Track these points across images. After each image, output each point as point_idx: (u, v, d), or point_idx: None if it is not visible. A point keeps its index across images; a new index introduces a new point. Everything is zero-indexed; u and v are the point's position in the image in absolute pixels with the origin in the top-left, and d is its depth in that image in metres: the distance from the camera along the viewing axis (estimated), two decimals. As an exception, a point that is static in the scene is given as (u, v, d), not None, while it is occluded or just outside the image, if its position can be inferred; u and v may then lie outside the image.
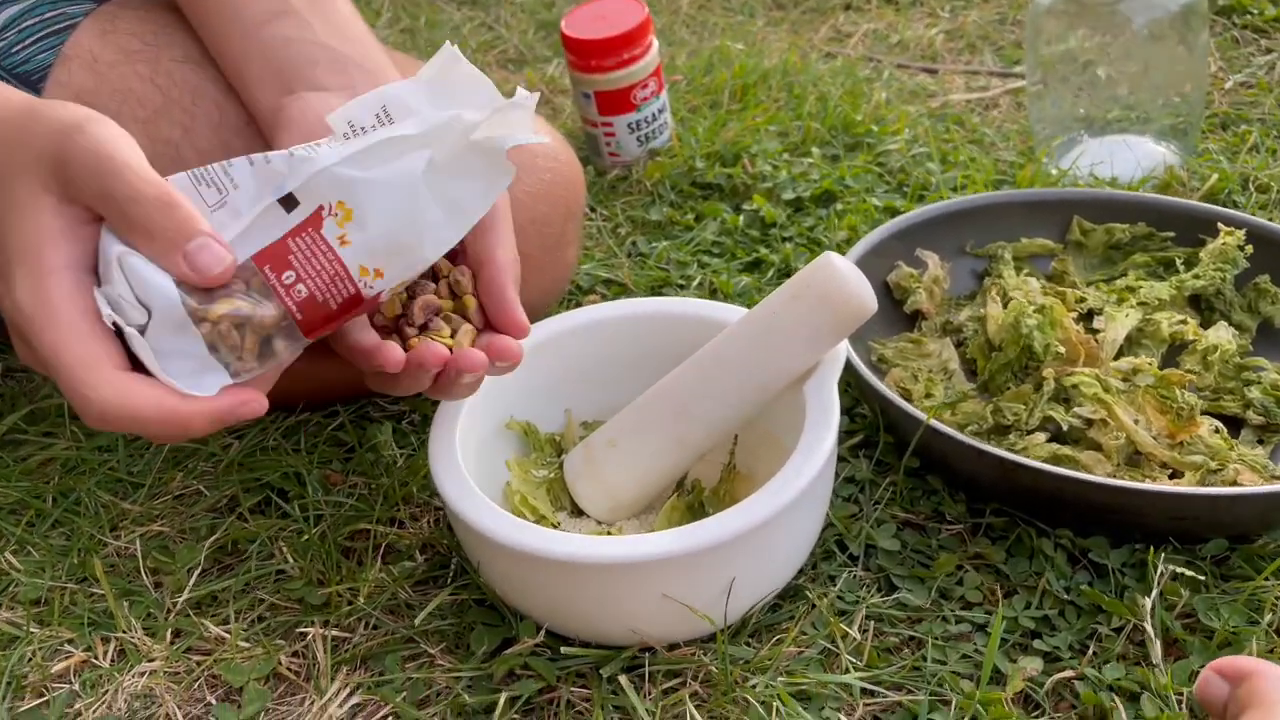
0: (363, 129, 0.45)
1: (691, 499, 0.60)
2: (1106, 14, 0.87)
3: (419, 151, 0.45)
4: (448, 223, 0.46)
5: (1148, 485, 0.53)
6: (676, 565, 0.48)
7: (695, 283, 0.81)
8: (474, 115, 0.45)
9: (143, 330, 0.43)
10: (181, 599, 0.58)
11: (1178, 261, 0.72)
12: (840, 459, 0.64)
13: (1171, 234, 0.74)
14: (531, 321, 0.67)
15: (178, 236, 0.43)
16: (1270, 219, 0.82)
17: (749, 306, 0.77)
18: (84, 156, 0.44)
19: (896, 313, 0.74)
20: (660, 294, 0.81)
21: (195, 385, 0.44)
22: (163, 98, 0.60)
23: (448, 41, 0.47)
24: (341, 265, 0.44)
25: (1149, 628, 0.51)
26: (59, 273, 0.43)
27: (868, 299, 0.54)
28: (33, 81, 0.60)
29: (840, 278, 0.54)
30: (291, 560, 0.60)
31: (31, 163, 0.45)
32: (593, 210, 0.92)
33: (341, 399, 0.71)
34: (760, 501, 0.50)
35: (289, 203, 0.44)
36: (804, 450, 0.52)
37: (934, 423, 0.57)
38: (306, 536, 0.61)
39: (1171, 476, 0.58)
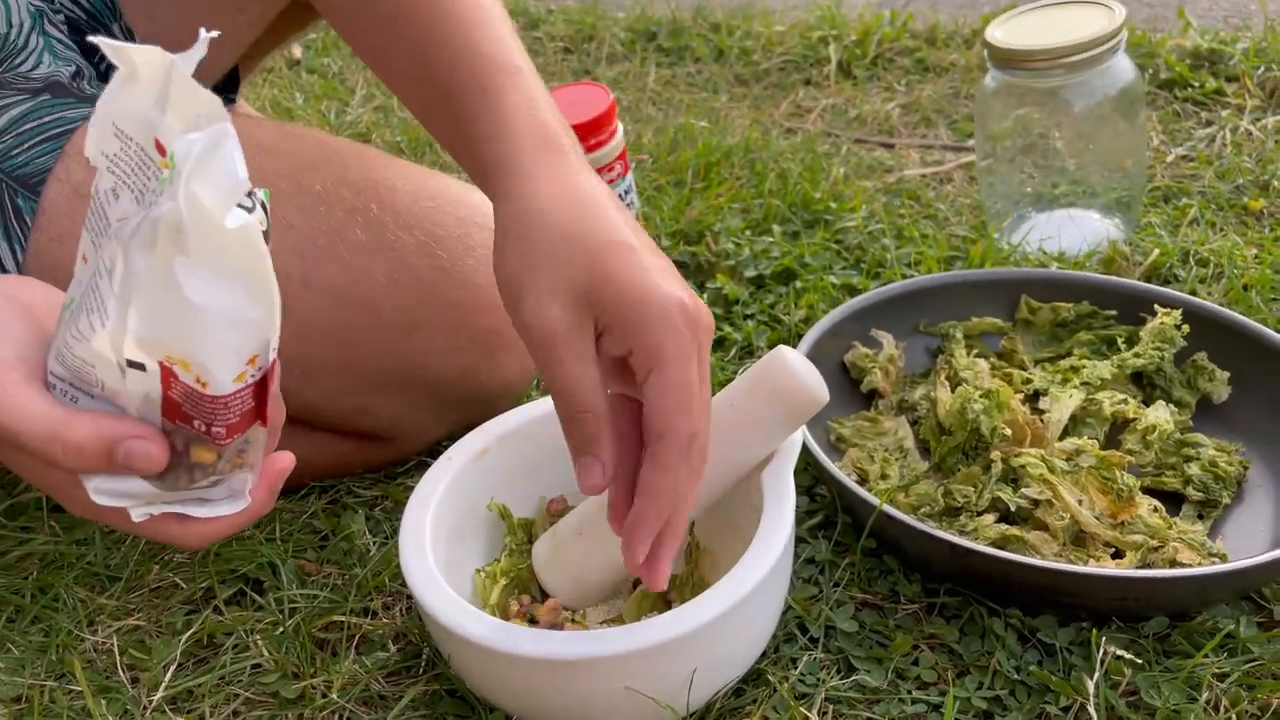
0: (115, 155, 0.43)
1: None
2: (1049, 97, 0.91)
3: (168, 273, 0.40)
4: (246, 288, 0.42)
5: (1089, 569, 0.56)
6: (639, 659, 0.50)
7: (660, 363, 0.84)
8: (177, 205, 0.39)
9: (166, 503, 0.46)
10: (158, 696, 0.59)
11: (1119, 340, 0.75)
12: (800, 540, 0.66)
13: (1114, 312, 0.78)
14: (508, 405, 0.70)
15: (104, 463, 0.43)
16: (1210, 293, 0.85)
17: (713, 387, 0.80)
18: None
19: (854, 391, 0.77)
20: (626, 374, 0.84)
21: (238, 499, 0.47)
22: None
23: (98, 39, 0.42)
24: (222, 398, 0.43)
25: (1091, 710, 0.53)
26: (80, 487, 0.45)
27: (819, 392, 0.57)
28: (32, 184, 0.62)
29: (792, 372, 0.56)
30: (266, 653, 0.61)
31: None
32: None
33: (315, 479, 0.73)
34: (720, 594, 0.52)
35: (138, 366, 0.43)
36: (761, 541, 0.54)
37: (888, 508, 0.60)
38: (281, 629, 0.62)
39: (1115, 555, 0.61)
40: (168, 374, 0.42)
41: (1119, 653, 0.55)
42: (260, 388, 0.45)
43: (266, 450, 0.48)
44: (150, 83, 0.42)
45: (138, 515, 0.46)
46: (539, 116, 0.57)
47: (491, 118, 0.57)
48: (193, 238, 0.39)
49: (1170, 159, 1.07)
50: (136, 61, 0.42)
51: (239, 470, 0.47)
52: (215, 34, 0.39)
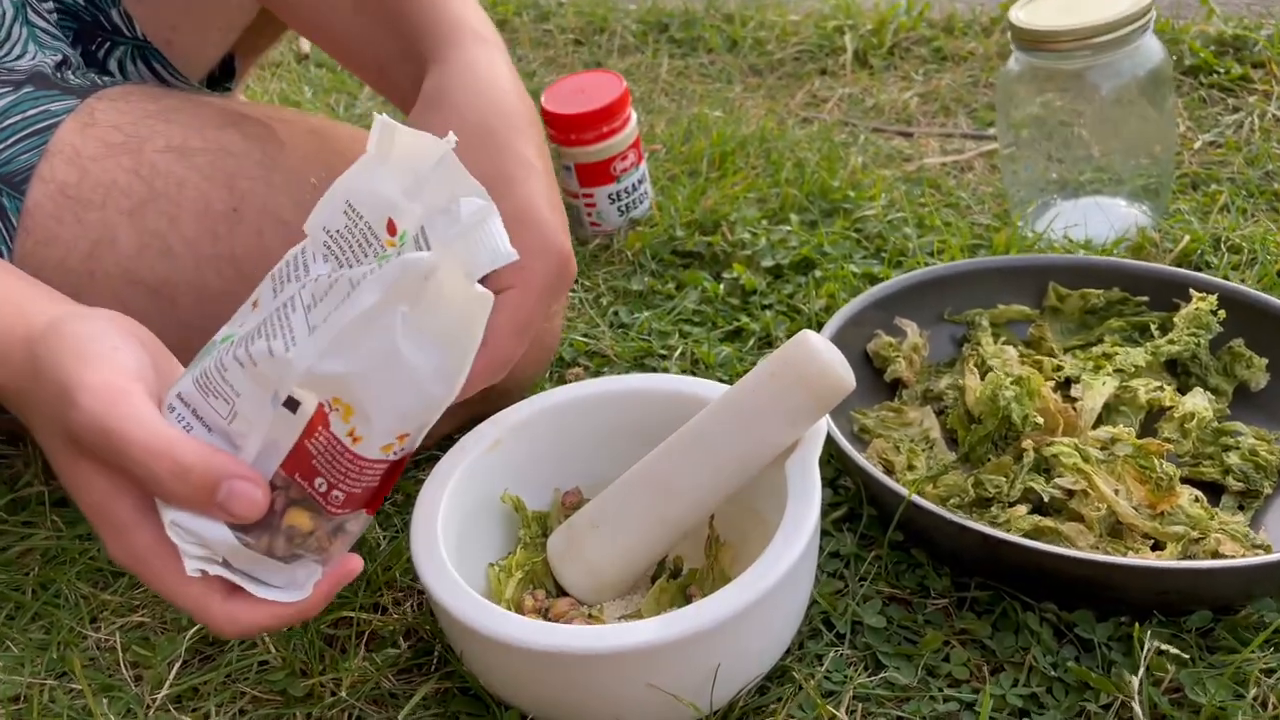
0: (338, 231, 0.45)
1: (684, 580, 0.60)
2: (1074, 81, 0.88)
3: (389, 316, 0.41)
4: (446, 363, 0.43)
5: (1128, 560, 0.53)
6: (660, 655, 0.48)
7: (677, 353, 0.82)
8: (433, 255, 0.41)
9: (228, 565, 0.44)
10: (162, 694, 0.57)
11: (1152, 327, 0.73)
12: (825, 533, 0.64)
13: (1145, 298, 0.75)
14: (518, 397, 0.68)
15: (203, 495, 0.42)
16: (1243, 280, 0.83)
17: (730, 378, 0.78)
18: (89, 435, 0.43)
19: (877, 381, 0.74)
20: (643, 365, 0.82)
21: (297, 589, 0.45)
22: (147, 189, 0.61)
23: (374, 113, 0.46)
24: (364, 460, 0.43)
25: (1136, 707, 0.50)
26: (139, 528, 0.45)
27: (845, 377, 0.54)
28: (16, 182, 0.60)
29: (817, 357, 0.54)
30: (274, 650, 0.59)
31: (58, 433, 0.45)
32: (575, 281, 0.93)
33: None
34: (743, 588, 0.49)
35: (291, 405, 0.42)
36: (786, 533, 0.52)
37: (916, 498, 0.58)
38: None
39: (1154, 547, 0.59)
40: (319, 419, 0.42)
41: (1162, 647, 0.53)
42: (392, 470, 0.44)
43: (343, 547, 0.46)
44: (404, 165, 0.43)
45: (193, 567, 0.44)
46: (479, 13, 0.63)
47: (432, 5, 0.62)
48: (432, 292, 0.40)
49: (1198, 145, 1.04)
50: (399, 144, 0.43)
51: (316, 555, 0.45)
52: (454, 142, 0.42)
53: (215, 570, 0.45)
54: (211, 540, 0.44)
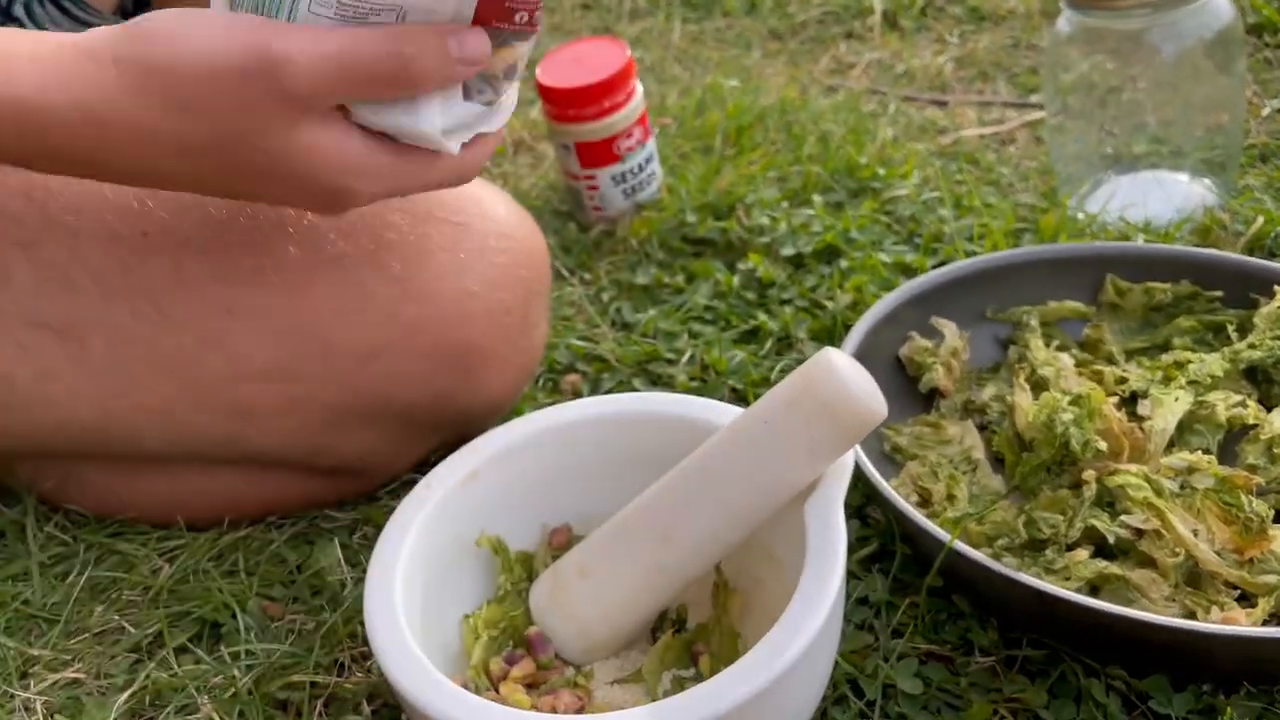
0: None
1: (689, 636, 0.52)
2: (1132, 42, 0.78)
3: None
4: None
5: (1215, 627, 0.44)
6: (654, 753, 0.40)
7: (685, 357, 0.73)
8: None
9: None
10: (89, 771, 0.50)
11: (1229, 328, 0.64)
12: (851, 574, 0.56)
13: (1219, 293, 0.66)
14: (499, 421, 0.60)
15: (444, 57, 0.42)
16: (1328, 268, 0.73)
17: (744, 386, 0.70)
18: (313, 79, 0.42)
19: (911, 391, 0.66)
20: (647, 371, 0.73)
21: (495, 119, 0.48)
22: (41, 215, 0.53)
23: None
24: None
25: (1230, 815, 0.42)
26: (379, 143, 0.45)
27: (875, 407, 0.46)
28: None
29: (842, 381, 0.46)
30: (217, 718, 0.52)
31: (257, 124, 0.43)
32: (573, 274, 0.84)
33: (281, 517, 0.63)
34: (754, 669, 0.41)
35: None
36: (805, 596, 0.44)
37: (959, 545, 0.49)
38: (234, 690, 0.53)
39: (1240, 598, 0.50)
40: None
41: (1259, 732, 0.44)
42: None
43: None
44: None
45: (456, 143, 0.46)
46: None
47: None
48: None
49: (1266, 112, 0.94)
50: None
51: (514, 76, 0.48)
52: None
53: (467, 136, 0.47)
54: (463, 119, 0.46)
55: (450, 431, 0.61)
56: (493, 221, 0.58)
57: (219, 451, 0.57)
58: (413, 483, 0.61)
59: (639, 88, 0.88)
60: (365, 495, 0.65)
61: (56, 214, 0.53)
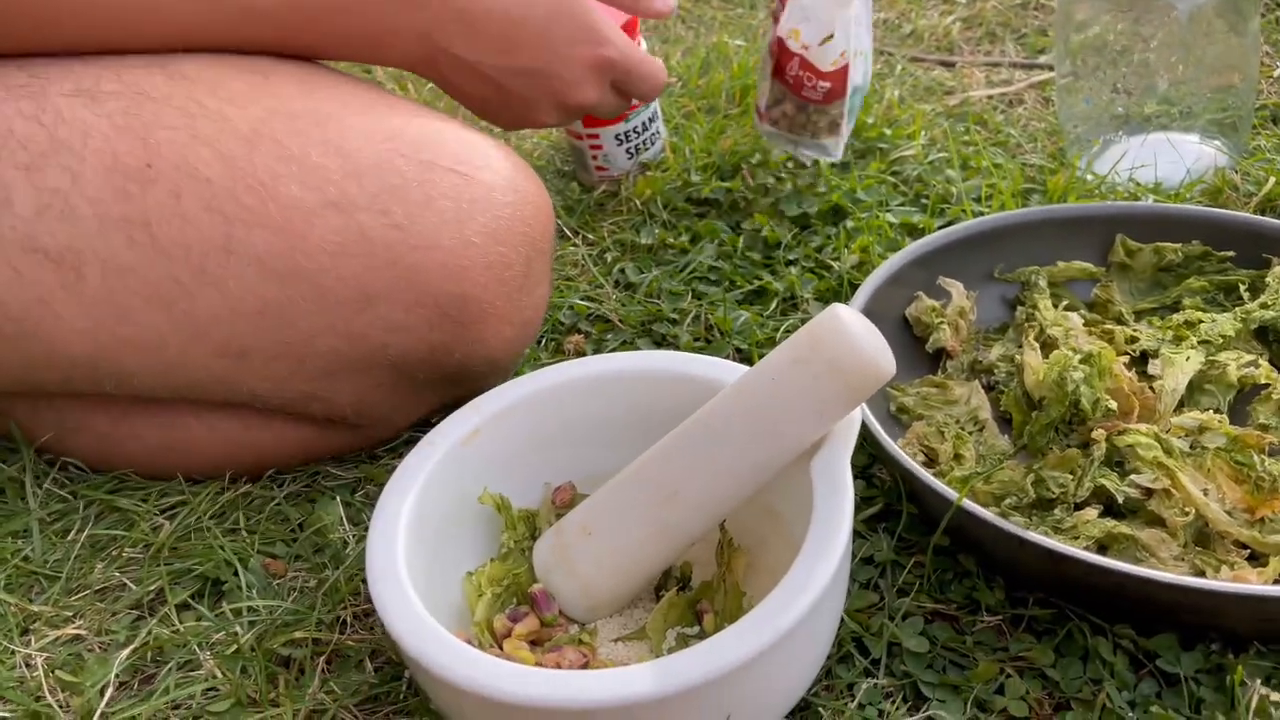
0: None
1: (693, 594, 0.52)
2: (1145, 1, 0.77)
3: None
4: None
5: (1225, 585, 0.44)
6: (658, 709, 0.40)
7: (690, 317, 0.73)
8: None
9: None
10: (91, 726, 0.50)
11: (1241, 288, 0.63)
12: (857, 534, 0.56)
13: (1231, 253, 0.65)
14: (499, 379, 0.59)
15: None
16: (1340, 229, 0.72)
17: (748, 347, 0.69)
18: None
19: (918, 351, 0.65)
20: (650, 331, 0.72)
21: None
22: (48, 139, 0.52)
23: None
24: None
25: (1240, 772, 0.42)
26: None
27: (884, 365, 0.45)
28: None
29: (851, 338, 0.45)
30: (219, 674, 0.52)
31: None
32: (576, 234, 0.83)
33: (277, 470, 0.63)
34: (759, 626, 0.41)
35: None
36: (812, 551, 0.43)
37: (967, 503, 0.49)
38: (236, 647, 0.52)
39: (1250, 558, 0.49)
40: None
41: (1265, 694, 0.44)
42: None
43: None
44: None
45: None
46: None
47: None
48: None
49: (1277, 74, 0.93)
50: None
51: None
52: None
53: None
54: None
55: (448, 390, 0.60)
56: (497, 175, 0.57)
57: (210, 393, 0.56)
58: (414, 442, 0.61)
59: (643, 44, 0.86)
60: (365, 452, 0.64)
61: (64, 138, 0.52)
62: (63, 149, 0.52)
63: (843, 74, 0.75)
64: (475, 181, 0.56)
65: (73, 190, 0.51)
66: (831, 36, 0.74)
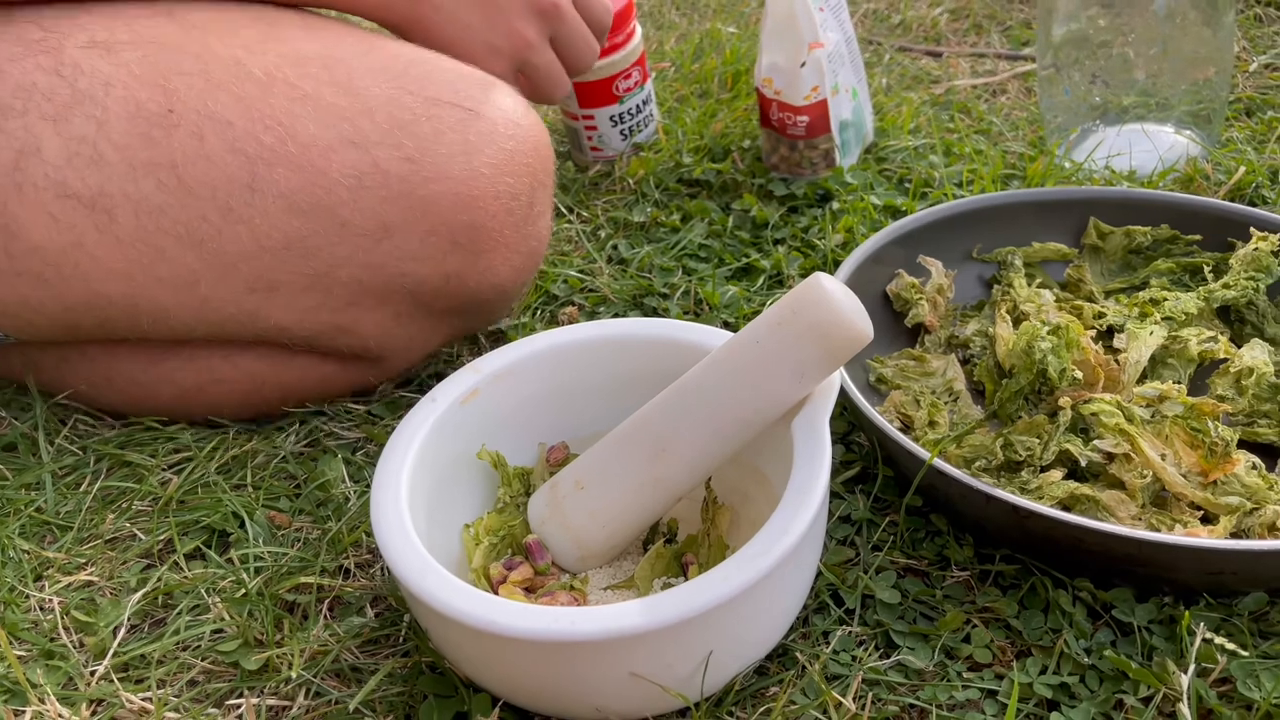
0: None
1: (679, 547, 0.54)
2: (1124, -6, 0.80)
3: None
4: None
5: (1179, 538, 0.47)
6: (646, 642, 0.43)
7: (680, 292, 0.75)
8: None
9: None
10: (105, 663, 0.52)
11: (1205, 269, 0.66)
12: (835, 495, 0.58)
13: (1198, 237, 0.68)
14: (502, 309, 0.64)
15: None
16: (1304, 217, 0.75)
17: (736, 320, 0.72)
18: None
19: (897, 326, 0.68)
20: (642, 305, 0.75)
21: None
22: (70, 90, 0.54)
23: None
24: None
25: (1184, 708, 0.45)
26: None
27: (862, 327, 0.48)
28: None
29: (831, 303, 0.48)
30: (227, 617, 0.54)
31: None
32: (571, 211, 0.86)
33: (298, 405, 0.66)
34: (740, 566, 0.44)
35: None
36: (790, 503, 0.46)
37: (938, 462, 0.52)
38: (243, 591, 0.55)
39: (1204, 519, 0.52)
40: None
41: (1210, 637, 0.47)
42: None
43: None
44: None
45: None
46: None
47: None
48: None
49: (1253, 68, 0.96)
50: None
51: None
52: None
53: None
54: None
55: (459, 322, 0.63)
56: (500, 110, 0.60)
57: (243, 330, 0.59)
58: (412, 403, 0.64)
59: (638, 29, 0.89)
60: (371, 400, 0.67)
61: (85, 89, 0.54)
62: (85, 99, 0.54)
63: (820, 108, 0.81)
64: (480, 116, 0.59)
65: (99, 137, 0.54)
66: (801, 68, 0.79)
